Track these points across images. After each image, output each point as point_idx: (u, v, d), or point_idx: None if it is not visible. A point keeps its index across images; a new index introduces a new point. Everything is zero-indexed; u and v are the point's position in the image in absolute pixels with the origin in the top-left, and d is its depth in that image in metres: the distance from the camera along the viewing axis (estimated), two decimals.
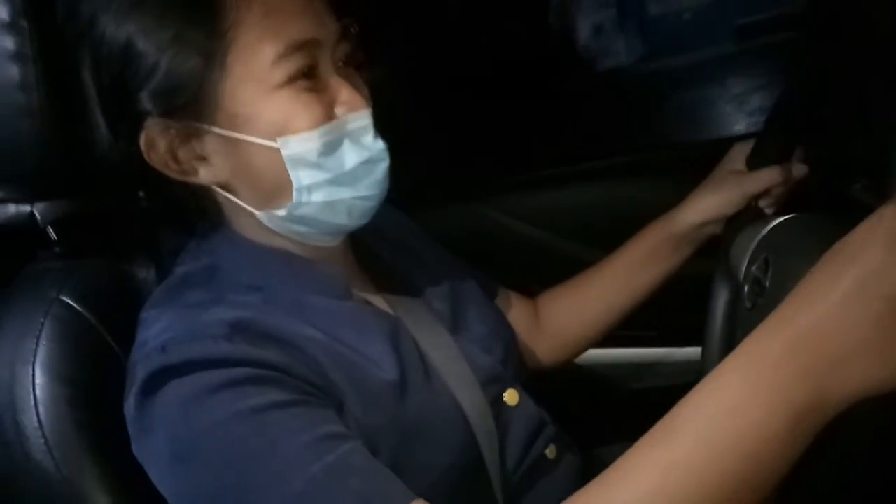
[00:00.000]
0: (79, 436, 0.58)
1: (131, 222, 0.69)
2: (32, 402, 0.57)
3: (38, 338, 0.59)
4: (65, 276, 0.64)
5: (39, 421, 0.57)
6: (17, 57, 0.58)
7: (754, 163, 0.76)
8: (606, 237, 0.87)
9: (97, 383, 0.60)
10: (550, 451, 0.72)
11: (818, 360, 0.38)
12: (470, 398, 0.66)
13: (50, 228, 0.66)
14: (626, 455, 0.44)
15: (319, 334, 0.59)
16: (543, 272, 0.92)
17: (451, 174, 1.19)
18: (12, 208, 0.63)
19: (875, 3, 0.58)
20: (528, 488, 0.69)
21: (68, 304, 0.61)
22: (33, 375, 0.58)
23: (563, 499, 0.45)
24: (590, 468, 0.75)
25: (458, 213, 1.18)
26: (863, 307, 0.37)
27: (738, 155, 0.79)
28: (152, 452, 0.56)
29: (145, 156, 0.58)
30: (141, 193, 0.65)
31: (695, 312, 0.81)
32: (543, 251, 1.14)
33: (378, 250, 0.76)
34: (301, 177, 0.58)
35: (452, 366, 0.67)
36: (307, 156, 0.58)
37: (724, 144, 0.81)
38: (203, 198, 0.63)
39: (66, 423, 0.58)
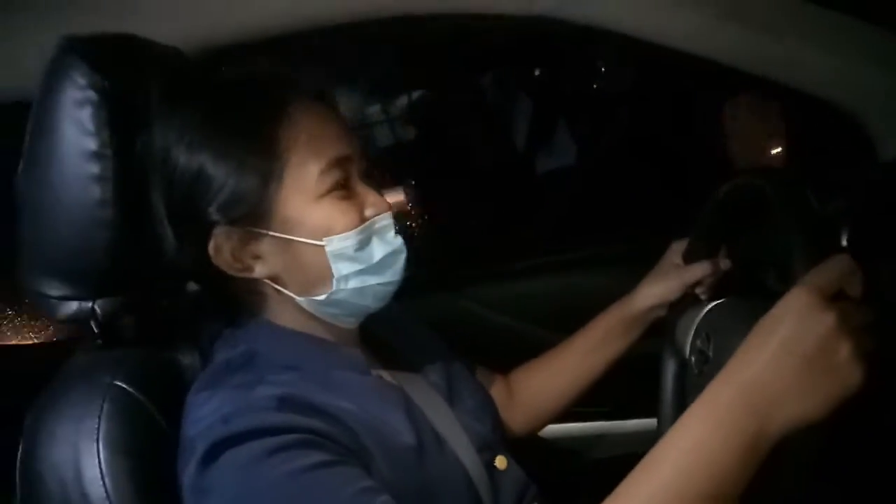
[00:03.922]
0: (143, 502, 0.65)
1: (175, 314, 0.78)
2: (99, 475, 0.64)
3: (99, 417, 0.66)
4: (117, 363, 0.71)
5: (106, 491, 0.63)
6: (100, 179, 0.68)
7: (689, 258, 0.94)
8: (571, 323, 1.01)
9: (151, 457, 0.67)
10: None
11: (758, 401, 0.53)
12: (471, 463, 0.76)
13: (92, 322, 0.74)
14: (617, 490, 0.55)
15: (350, 405, 0.69)
16: (513, 357, 1.04)
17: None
18: (75, 304, 0.71)
19: None
20: None
21: (123, 388, 0.69)
22: (98, 451, 0.65)
23: None
24: None
25: (433, 303, 1.29)
26: (786, 362, 0.53)
27: (676, 251, 0.96)
28: None
29: (213, 259, 0.69)
30: (187, 288, 0.74)
31: (640, 388, 0.95)
32: (513, 338, 1.27)
33: (381, 332, 0.87)
34: (340, 268, 0.70)
35: (454, 433, 0.78)
36: (346, 251, 0.70)
37: (663, 241, 0.98)
38: (251, 290, 0.74)
39: (130, 493, 0.64)
